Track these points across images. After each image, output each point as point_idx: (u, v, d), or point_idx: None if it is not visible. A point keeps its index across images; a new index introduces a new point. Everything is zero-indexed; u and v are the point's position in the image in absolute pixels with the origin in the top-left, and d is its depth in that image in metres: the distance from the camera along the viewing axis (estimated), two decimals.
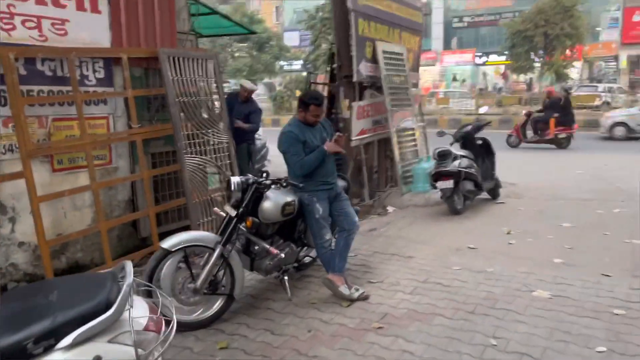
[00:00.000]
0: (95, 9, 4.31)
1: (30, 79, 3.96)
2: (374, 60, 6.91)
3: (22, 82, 3.82)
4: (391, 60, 7.19)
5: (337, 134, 3.85)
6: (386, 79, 6.95)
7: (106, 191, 4.55)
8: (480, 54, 36.88)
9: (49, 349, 1.78)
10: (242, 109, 6.62)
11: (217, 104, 5.25)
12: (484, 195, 6.96)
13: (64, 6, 4.10)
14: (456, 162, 6.26)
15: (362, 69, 6.68)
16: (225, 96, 5.82)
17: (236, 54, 32.29)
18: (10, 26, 3.81)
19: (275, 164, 7.31)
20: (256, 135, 7.44)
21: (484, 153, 6.92)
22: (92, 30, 4.30)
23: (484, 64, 37.25)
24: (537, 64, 27.65)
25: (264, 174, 3.76)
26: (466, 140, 6.86)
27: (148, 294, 2.56)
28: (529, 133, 13.08)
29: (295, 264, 4.11)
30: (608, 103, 21.68)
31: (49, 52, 4.00)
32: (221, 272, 3.51)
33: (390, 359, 2.98)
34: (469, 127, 7.04)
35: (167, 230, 4.60)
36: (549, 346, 3.05)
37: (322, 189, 3.83)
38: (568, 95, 13.30)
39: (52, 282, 2.61)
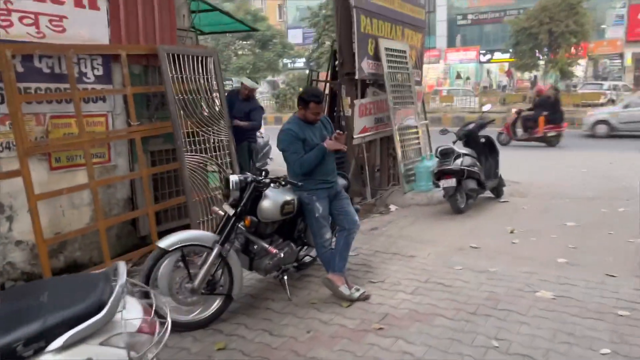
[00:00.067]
0: (93, 6, 4.27)
1: (28, 76, 3.93)
2: (376, 57, 6.86)
3: (19, 80, 3.79)
4: (394, 58, 7.14)
5: (337, 131, 3.81)
6: (388, 76, 6.90)
7: (105, 189, 4.52)
8: (484, 51, 36.77)
9: (39, 351, 1.75)
10: (243, 107, 6.58)
11: (217, 101, 5.21)
12: (487, 193, 6.89)
13: (62, 3, 4.07)
14: (459, 161, 6.18)
15: (365, 66, 6.63)
16: (226, 94, 5.78)
17: (239, 52, 32.29)
18: (8, 23, 3.78)
19: (278, 162, 7.27)
20: (258, 134, 7.41)
21: (487, 151, 6.85)
22: (90, 27, 4.26)
23: (488, 61, 37.13)
24: (542, 62, 27.55)
25: (263, 173, 3.72)
26: (469, 138, 6.80)
27: (145, 295, 2.52)
28: (519, 131, 13.18)
29: (295, 264, 4.08)
30: (613, 101, 21.56)
31: (46, 49, 3.97)
32: (219, 272, 3.47)
33: None
34: (472, 125, 6.98)
35: (167, 229, 4.57)
36: (552, 348, 3.00)
37: (322, 187, 3.78)
38: (557, 94, 13.40)
39: (43, 283, 2.58)
